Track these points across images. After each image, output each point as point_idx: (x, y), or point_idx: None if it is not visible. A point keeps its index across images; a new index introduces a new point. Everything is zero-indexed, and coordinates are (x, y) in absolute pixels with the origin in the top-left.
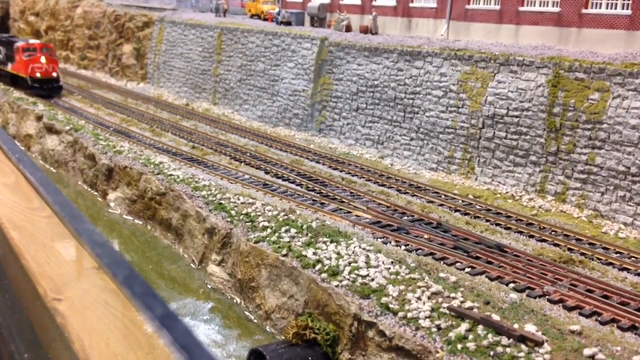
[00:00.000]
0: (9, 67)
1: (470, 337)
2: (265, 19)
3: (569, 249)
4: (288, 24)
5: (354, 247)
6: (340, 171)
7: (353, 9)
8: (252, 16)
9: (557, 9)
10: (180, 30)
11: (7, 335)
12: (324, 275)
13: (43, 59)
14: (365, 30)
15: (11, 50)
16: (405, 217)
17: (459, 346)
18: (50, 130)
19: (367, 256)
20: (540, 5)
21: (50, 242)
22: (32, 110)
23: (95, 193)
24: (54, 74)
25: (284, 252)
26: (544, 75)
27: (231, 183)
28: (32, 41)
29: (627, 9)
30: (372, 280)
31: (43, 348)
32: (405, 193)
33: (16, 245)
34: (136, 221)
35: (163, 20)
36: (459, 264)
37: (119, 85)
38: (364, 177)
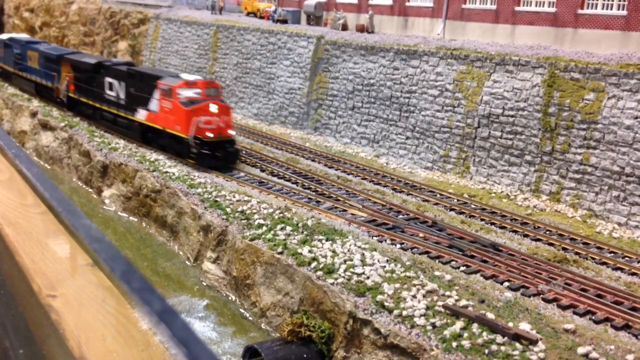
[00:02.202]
0: (142, 116)
1: (465, 335)
2: (261, 17)
3: (564, 249)
4: (284, 22)
5: (350, 245)
6: (336, 169)
7: (349, 7)
8: (248, 14)
9: (553, 9)
10: (176, 27)
11: (2, 332)
12: (319, 273)
13: (214, 108)
14: (361, 29)
15: (149, 88)
16: (401, 216)
17: (454, 344)
18: (45, 126)
19: (363, 254)
20: (536, 6)
21: (45, 239)
22: (26, 107)
23: (90, 190)
24: (230, 131)
25: (280, 249)
26: (540, 75)
27: (227, 181)
28: (190, 77)
29: (623, 9)
30: (368, 278)
31: (38, 344)
32: (400, 192)
33: (11, 242)
34: (131, 218)
35: (159, 18)
36: (454, 262)
37: None
38: (359, 176)
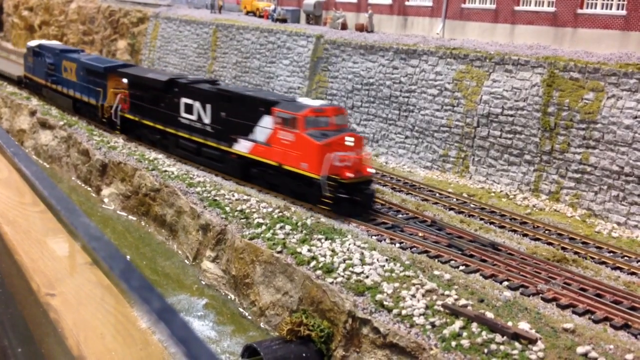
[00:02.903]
0: (243, 148)
1: (465, 334)
2: (260, 16)
3: (563, 248)
4: (284, 21)
5: (349, 245)
6: None
7: (349, 6)
8: (247, 13)
9: (552, 9)
10: (175, 26)
11: (1, 331)
12: (318, 272)
13: (350, 141)
14: (361, 28)
15: (254, 113)
16: (400, 215)
17: (453, 343)
18: (44, 125)
19: (362, 253)
20: (535, 5)
21: (44, 237)
22: (25, 105)
23: (89, 189)
24: (369, 169)
25: (279, 248)
26: (539, 74)
27: (226, 180)
28: (314, 102)
29: (622, 9)
30: (367, 277)
31: (36, 343)
32: (399, 191)
33: (9, 241)
34: (130, 217)
35: (158, 16)
36: (453, 261)
37: None
38: None
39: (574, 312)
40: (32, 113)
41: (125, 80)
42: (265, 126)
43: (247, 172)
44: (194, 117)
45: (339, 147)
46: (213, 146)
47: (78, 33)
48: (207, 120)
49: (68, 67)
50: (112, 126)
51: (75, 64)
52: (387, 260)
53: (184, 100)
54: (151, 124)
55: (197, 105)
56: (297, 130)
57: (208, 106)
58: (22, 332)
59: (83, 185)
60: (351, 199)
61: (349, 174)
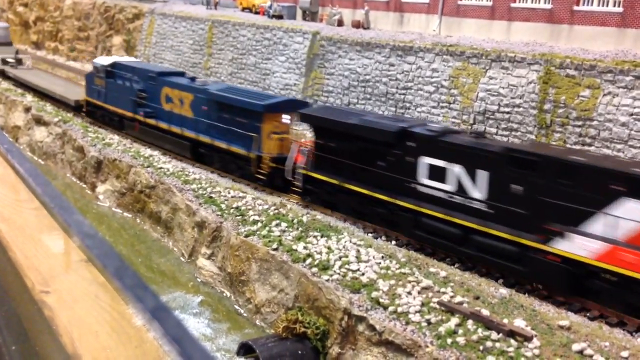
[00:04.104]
0: (578, 248)
1: (460, 331)
2: (256, 12)
3: None
4: (280, 17)
5: (345, 242)
6: None
7: (345, 3)
8: (243, 9)
9: (549, 6)
10: (171, 22)
11: None
12: (314, 269)
13: None
14: (357, 25)
15: (602, 193)
16: None
17: (449, 341)
18: (39, 121)
19: (358, 251)
20: (532, 2)
21: (39, 234)
22: (20, 102)
23: (84, 186)
24: None
25: (275, 246)
26: (535, 71)
27: (221, 177)
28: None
29: (619, 6)
30: (363, 274)
31: (31, 341)
32: None
33: (3, 238)
34: (125, 214)
35: (153, 12)
36: (449, 259)
37: None
38: None
39: (569, 310)
40: (27, 109)
41: (287, 120)
42: (629, 216)
43: (581, 287)
44: (449, 187)
45: None
46: (496, 235)
47: (73, 29)
48: (479, 194)
49: (175, 96)
50: (273, 184)
51: (192, 95)
52: (383, 257)
53: (426, 160)
54: (363, 190)
55: (456, 169)
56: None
57: (482, 173)
58: (16, 330)
59: (78, 182)
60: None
61: None
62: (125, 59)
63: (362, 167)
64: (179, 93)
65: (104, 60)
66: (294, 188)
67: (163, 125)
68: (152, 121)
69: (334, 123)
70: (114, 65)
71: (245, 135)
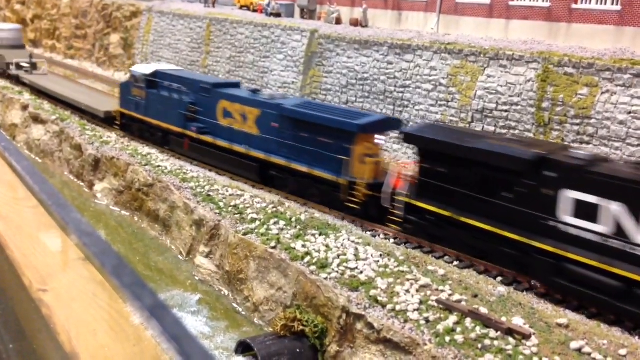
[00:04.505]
0: None
1: (459, 329)
2: (254, 11)
3: None
4: (278, 15)
5: (343, 240)
6: None
7: (343, 1)
8: (241, 7)
9: (547, 4)
10: (169, 20)
11: None
12: (312, 267)
13: None
14: (355, 23)
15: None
16: None
17: (447, 339)
18: (36, 119)
19: (356, 249)
20: (530, 0)
21: (36, 232)
22: (17, 100)
23: (82, 184)
24: None
25: (273, 244)
26: (534, 70)
27: (220, 175)
28: None
29: (617, 4)
30: (361, 273)
31: (28, 339)
32: None
33: (1, 236)
34: (123, 212)
35: (151, 10)
36: (447, 257)
37: (106, 76)
38: None
39: (567, 308)
40: (24, 107)
41: (381, 141)
42: None
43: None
44: (603, 229)
45: None
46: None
47: (70, 27)
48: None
49: (235, 111)
50: (367, 214)
51: (258, 109)
52: (381, 255)
53: (571, 194)
54: (483, 225)
55: (613, 207)
56: None
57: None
58: (14, 328)
59: (76, 180)
60: None
61: None
62: (168, 67)
63: (482, 198)
64: (241, 107)
65: (143, 69)
66: (392, 218)
67: (221, 143)
68: (206, 138)
69: (447, 146)
70: (157, 74)
71: (331, 157)
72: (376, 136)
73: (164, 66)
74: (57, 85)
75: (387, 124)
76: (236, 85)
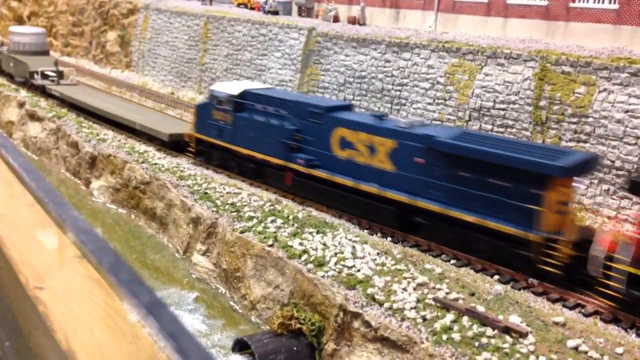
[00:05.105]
0: None
1: (456, 328)
2: (252, 8)
3: None
4: (275, 13)
5: (340, 238)
6: None
7: None
8: (238, 5)
9: (544, 2)
10: (166, 18)
11: None
12: (310, 265)
13: None
14: (353, 21)
15: None
16: None
17: (444, 337)
18: (33, 117)
19: (354, 247)
20: None
21: (33, 230)
22: (14, 97)
23: (79, 181)
24: None
25: (270, 242)
26: (531, 68)
27: (217, 173)
28: None
29: (614, 3)
30: (358, 271)
31: (25, 337)
32: None
33: None
34: (120, 210)
35: (148, 8)
36: (444, 255)
37: (102, 73)
38: None
39: (564, 306)
40: (21, 105)
41: (581, 185)
42: None
43: None
44: None
45: None
46: None
47: (67, 24)
48: None
49: (358, 141)
50: (570, 279)
51: (393, 140)
52: (378, 253)
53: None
54: None
55: None
56: None
57: None
58: (10, 326)
59: (72, 177)
60: None
61: None
62: (259, 86)
63: None
64: (367, 137)
65: (228, 88)
66: (603, 289)
67: (342, 180)
68: (318, 173)
69: None
70: (246, 94)
71: (514, 206)
72: (575, 179)
73: (251, 85)
74: (95, 99)
75: (590, 164)
76: (348, 107)
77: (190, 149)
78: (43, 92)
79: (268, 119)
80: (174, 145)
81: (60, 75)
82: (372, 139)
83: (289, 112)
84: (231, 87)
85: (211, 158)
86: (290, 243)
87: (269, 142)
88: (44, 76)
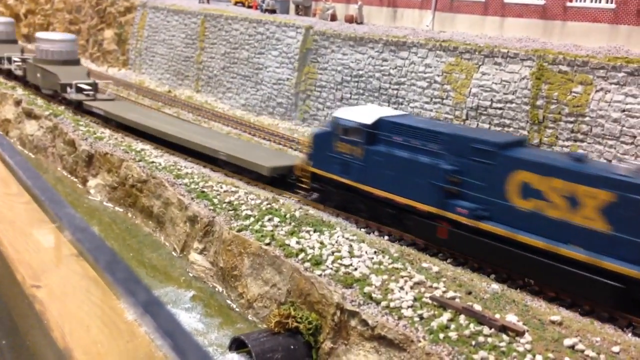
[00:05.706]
0: None
1: (452, 326)
2: (249, 7)
3: None
4: (273, 11)
5: (337, 237)
6: None
7: None
8: (236, 3)
9: (542, 2)
10: (163, 16)
11: None
12: (307, 264)
13: None
14: (350, 20)
15: None
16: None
17: (441, 335)
18: (30, 115)
19: (351, 246)
20: None
21: (29, 228)
22: (10, 95)
23: (75, 180)
24: None
25: (267, 240)
26: (528, 67)
27: (214, 171)
28: None
29: (611, 2)
30: (355, 269)
31: (21, 335)
32: None
33: None
34: (117, 208)
35: (145, 6)
36: (441, 254)
37: (99, 71)
38: None
39: (561, 305)
40: (18, 103)
41: None
42: None
43: None
44: None
45: None
46: None
47: (64, 22)
48: None
49: (549, 189)
50: None
51: (609, 193)
52: (375, 252)
53: None
54: None
55: None
56: None
57: None
58: (7, 324)
59: (69, 176)
60: None
61: None
62: (397, 114)
63: None
64: (567, 186)
65: (356, 115)
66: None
67: (529, 239)
68: (489, 226)
69: None
70: (381, 123)
71: None
72: None
73: (384, 111)
74: (151, 120)
75: None
76: (522, 142)
77: (303, 185)
78: (78, 108)
79: (413, 155)
80: (271, 180)
81: (95, 88)
82: (576, 188)
83: (444, 147)
84: (360, 114)
85: (330, 197)
86: (287, 242)
87: (415, 183)
88: (79, 89)
